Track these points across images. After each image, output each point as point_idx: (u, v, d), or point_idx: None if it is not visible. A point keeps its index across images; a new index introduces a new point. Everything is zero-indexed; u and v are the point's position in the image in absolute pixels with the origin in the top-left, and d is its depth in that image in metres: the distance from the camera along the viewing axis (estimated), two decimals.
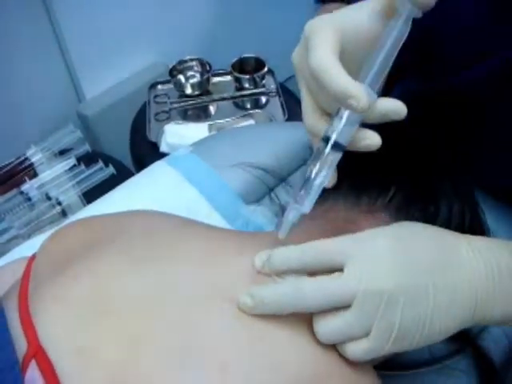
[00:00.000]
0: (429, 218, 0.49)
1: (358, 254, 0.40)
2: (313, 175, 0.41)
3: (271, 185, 0.79)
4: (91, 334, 0.39)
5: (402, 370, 0.56)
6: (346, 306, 0.39)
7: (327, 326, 0.40)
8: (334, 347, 0.41)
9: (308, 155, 0.82)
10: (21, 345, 0.39)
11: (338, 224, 0.49)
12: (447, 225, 0.48)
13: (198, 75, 1.41)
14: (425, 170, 0.52)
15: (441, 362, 0.56)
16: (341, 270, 0.40)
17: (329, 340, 0.40)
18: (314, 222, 0.49)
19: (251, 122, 1.27)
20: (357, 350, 0.39)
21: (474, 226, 0.52)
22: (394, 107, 0.39)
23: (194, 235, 0.48)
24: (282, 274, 0.42)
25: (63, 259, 0.46)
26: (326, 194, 0.45)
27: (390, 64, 0.40)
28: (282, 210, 0.74)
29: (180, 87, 1.39)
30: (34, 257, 0.52)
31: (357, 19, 0.41)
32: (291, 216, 0.42)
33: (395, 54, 0.40)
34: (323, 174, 0.41)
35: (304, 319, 0.41)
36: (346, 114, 0.39)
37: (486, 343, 0.58)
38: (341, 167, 0.43)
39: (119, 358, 0.37)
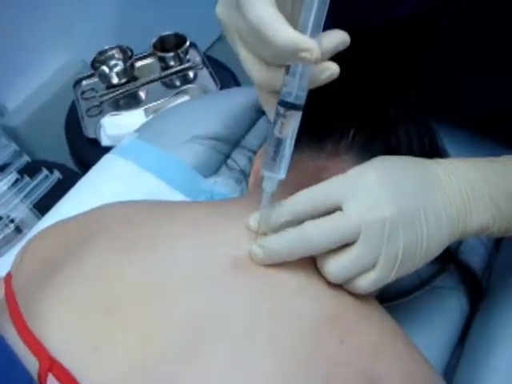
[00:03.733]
0: (393, 149, 0.51)
1: (353, 190, 0.41)
2: (280, 142, 0.40)
3: (226, 152, 0.79)
4: (103, 332, 0.39)
5: (396, 299, 0.58)
6: (350, 243, 0.41)
7: (337, 265, 0.41)
8: (343, 289, 0.43)
9: (254, 114, 0.84)
10: (30, 362, 0.39)
11: (310, 173, 0.50)
12: (410, 153, 0.50)
13: (120, 63, 1.38)
14: (378, 102, 0.54)
15: (429, 284, 0.59)
16: (338, 209, 0.41)
17: (339, 277, 0.41)
18: (287, 178, 0.50)
19: (186, 98, 1.26)
20: (365, 282, 0.41)
21: (434, 150, 0.54)
22: (341, 39, 0.38)
23: (175, 214, 0.48)
24: (278, 229, 0.43)
25: (47, 266, 0.45)
26: None
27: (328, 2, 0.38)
28: (244, 174, 0.75)
29: (105, 78, 1.35)
30: (9, 275, 0.51)
31: None
32: (269, 186, 0.42)
33: None
34: (290, 136, 0.40)
35: (313, 268, 0.43)
36: (299, 69, 0.38)
37: (466, 256, 0.62)
38: None
39: (137, 354, 0.37)
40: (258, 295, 0.41)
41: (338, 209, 0.41)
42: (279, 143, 0.40)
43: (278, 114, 0.40)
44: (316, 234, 0.41)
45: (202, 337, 0.38)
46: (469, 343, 0.62)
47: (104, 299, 0.40)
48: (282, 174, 0.41)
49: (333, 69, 0.39)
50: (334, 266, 0.41)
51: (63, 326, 0.40)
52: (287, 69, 0.39)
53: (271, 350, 0.38)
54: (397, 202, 0.41)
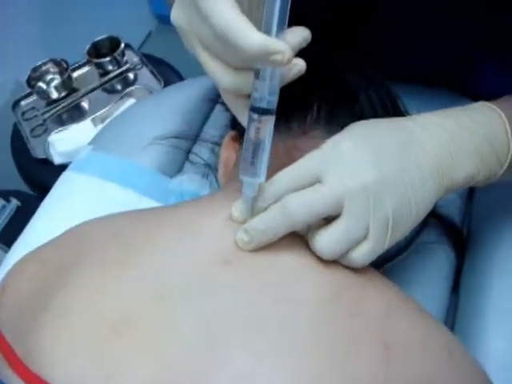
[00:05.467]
0: (358, 118, 0.50)
1: (331, 162, 0.40)
2: (257, 147, 0.40)
3: (187, 148, 0.77)
4: (113, 356, 0.37)
5: (385, 263, 0.58)
6: (336, 216, 0.40)
7: (326, 239, 0.40)
8: (341, 265, 0.42)
9: (207, 104, 0.82)
10: None
11: (281, 155, 0.49)
12: (375, 117, 0.49)
13: (57, 76, 1.33)
14: (333, 71, 0.53)
15: (414, 242, 0.60)
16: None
17: (331, 253, 0.41)
18: None
19: (132, 100, 1.23)
20: (360, 254, 0.40)
21: (397, 111, 0.54)
22: (302, 36, 0.38)
23: (160, 220, 0.47)
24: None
25: (35, 299, 0.43)
26: None
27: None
28: (209, 166, 0.74)
29: (44, 95, 1.31)
30: None
31: None
32: (249, 191, 0.41)
33: None
34: (266, 139, 0.39)
35: (308, 250, 0.42)
36: (268, 72, 0.37)
37: (445, 209, 0.62)
38: None
39: (155, 372, 0.36)
40: (257, 286, 0.40)
41: (318, 183, 0.41)
42: (256, 148, 0.39)
43: (252, 120, 0.39)
44: (297, 206, 0.40)
45: (214, 337, 0.37)
46: (463, 290, 0.63)
47: (106, 322, 0.38)
48: (261, 178, 0.40)
49: (300, 65, 0.38)
50: (325, 242, 0.40)
51: (67, 357, 0.38)
52: (256, 72, 0.37)
53: (283, 337, 0.37)
54: (377, 166, 0.40)
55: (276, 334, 0.37)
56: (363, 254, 0.41)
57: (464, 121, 0.45)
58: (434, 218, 0.63)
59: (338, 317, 0.38)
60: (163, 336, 0.37)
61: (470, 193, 0.72)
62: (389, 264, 0.59)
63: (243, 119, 0.40)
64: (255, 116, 0.39)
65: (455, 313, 0.62)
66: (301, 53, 0.39)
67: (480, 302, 0.59)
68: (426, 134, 0.43)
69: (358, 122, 0.44)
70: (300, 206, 0.40)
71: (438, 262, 0.64)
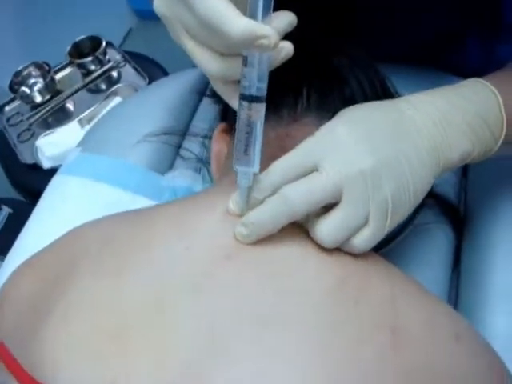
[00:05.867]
0: (349, 101, 0.50)
1: (327, 149, 0.40)
2: (249, 135, 0.39)
3: (177, 144, 0.77)
4: (117, 365, 0.36)
5: (384, 246, 0.58)
6: (334, 204, 0.40)
7: (326, 228, 0.40)
8: (343, 252, 0.42)
9: (194, 98, 0.81)
10: None
11: (274, 144, 0.48)
12: (366, 101, 0.49)
13: (40, 80, 1.32)
14: (321, 54, 0.53)
15: (411, 223, 0.59)
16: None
17: (332, 241, 0.40)
18: None
19: (118, 99, 1.22)
20: (362, 239, 0.40)
21: (386, 92, 0.54)
22: (289, 20, 0.37)
23: (154, 221, 0.46)
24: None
25: (34, 308, 0.42)
26: None
27: None
28: (201, 160, 0.73)
29: (28, 99, 1.29)
30: None
31: None
32: (244, 181, 0.40)
33: None
34: (258, 127, 0.39)
35: (308, 239, 0.42)
36: (256, 58, 0.36)
37: (441, 188, 0.62)
38: None
39: (161, 376, 0.35)
40: (260, 279, 0.40)
41: (315, 171, 0.40)
42: (249, 136, 0.39)
43: (242, 108, 0.39)
44: (296, 195, 0.39)
45: (218, 338, 0.36)
46: (464, 267, 0.63)
47: (107, 328, 0.38)
48: (256, 167, 0.40)
49: (288, 47, 0.38)
50: (325, 230, 0.40)
51: (71, 365, 0.37)
52: (244, 59, 0.37)
53: (289, 332, 0.36)
54: (373, 150, 0.40)
55: (282, 329, 0.36)
56: (364, 239, 0.40)
57: (455, 99, 0.45)
58: (431, 198, 0.62)
59: (343, 304, 0.38)
60: (165, 339, 0.36)
61: (465, 170, 0.72)
62: (387, 248, 0.59)
63: (235, 105, 0.40)
64: (245, 104, 0.38)
65: (457, 290, 0.62)
66: (287, 37, 0.38)
67: (481, 277, 0.59)
68: (418, 114, 0.43)
69: (350, 107, 0.44)
70: (299, 196, 0.39)
71: (437, 242, 0.64)
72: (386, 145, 0.41)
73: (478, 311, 0.57)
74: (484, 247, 0.61)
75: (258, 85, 0.37)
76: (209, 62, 0.38)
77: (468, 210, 0.68)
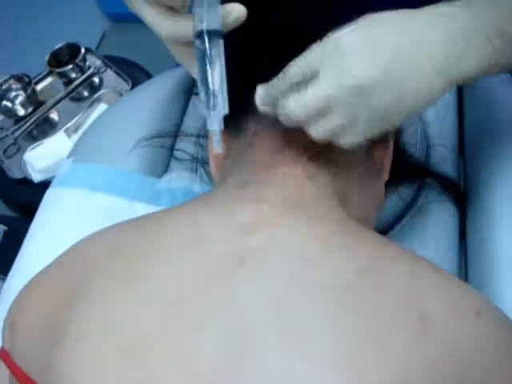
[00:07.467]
0: None
1: (327, 57, 0.40)
2: (210, 77, 0.39)
3: (170, 145, 0.76)
4: (139, 375, 0.36)
5: (389, 230, 0.58)
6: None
7: (321, 126, 0.41)
8: (363, 244, 0.41)
9: (182, 98, 0.80)
10: None
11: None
12: None
13: (21, 92, 1.29)
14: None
15: (414, 205, 0.59)
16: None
17: (323, 134, 0.41)
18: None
19: (103, 105, 1.20)
20: (349, 137, 0.41)
21: None
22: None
23: (162, 228, 0.45)
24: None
25: (47, 331, 0.41)
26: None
27: None
28: (197, 160, 0.72)
29: (11, 113, 1.28)
30: (4, 351, 0.46)
31: None
32: (216, 125, 0.41)
33: None
34: (218, 68, 0.39)
35: (329, 236, 0.41)
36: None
37: (439, 166, 0.62)
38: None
39: None
40: (278, 279, 0.39)
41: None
42: (212, 77, 0.39)
43: (199, 50, 0.39)
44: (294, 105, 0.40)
45: (244, 339, 0.36)
46: (470, 241, 0.63)
47: (125, 345, 0.37)
48: (225, 109, 0.40)
49: (238, 10, 0.39)
50: (319, 128, 0.41)
51: (93, 380, 0.37)
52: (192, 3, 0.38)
53: (317, 331, 0.36)
54: (373, 61, 0.39)
55: (310, 329, 0.36)
56: (351, 136, 0.41)
57: (468, 8, 0.42)
58: (431, 177, 0.62)
59: (368, 295, 0.37)
60: (187, 348, 0.36)
61: (461, 148, 0.71)
62: (394, 230, 0.58)
63: (192, 67, 0.40)
64: (199, 42, 0.39)
65: (466, 261, 0.62)
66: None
67: (488, 248, 0.59)
68: (431, 23, 0.41)
69: (372, 14, 0.42)
70: (297, 104, 0.40)
71: (441, 220, 0.64)
72: (391, 55, 0.40)
73: (487, 280, 0.57)
74: (487, 217, 0.61)
75: (210, 20, 0.38)
76: (160, 22, 0.39)
77: (468, 185, 0.67)
